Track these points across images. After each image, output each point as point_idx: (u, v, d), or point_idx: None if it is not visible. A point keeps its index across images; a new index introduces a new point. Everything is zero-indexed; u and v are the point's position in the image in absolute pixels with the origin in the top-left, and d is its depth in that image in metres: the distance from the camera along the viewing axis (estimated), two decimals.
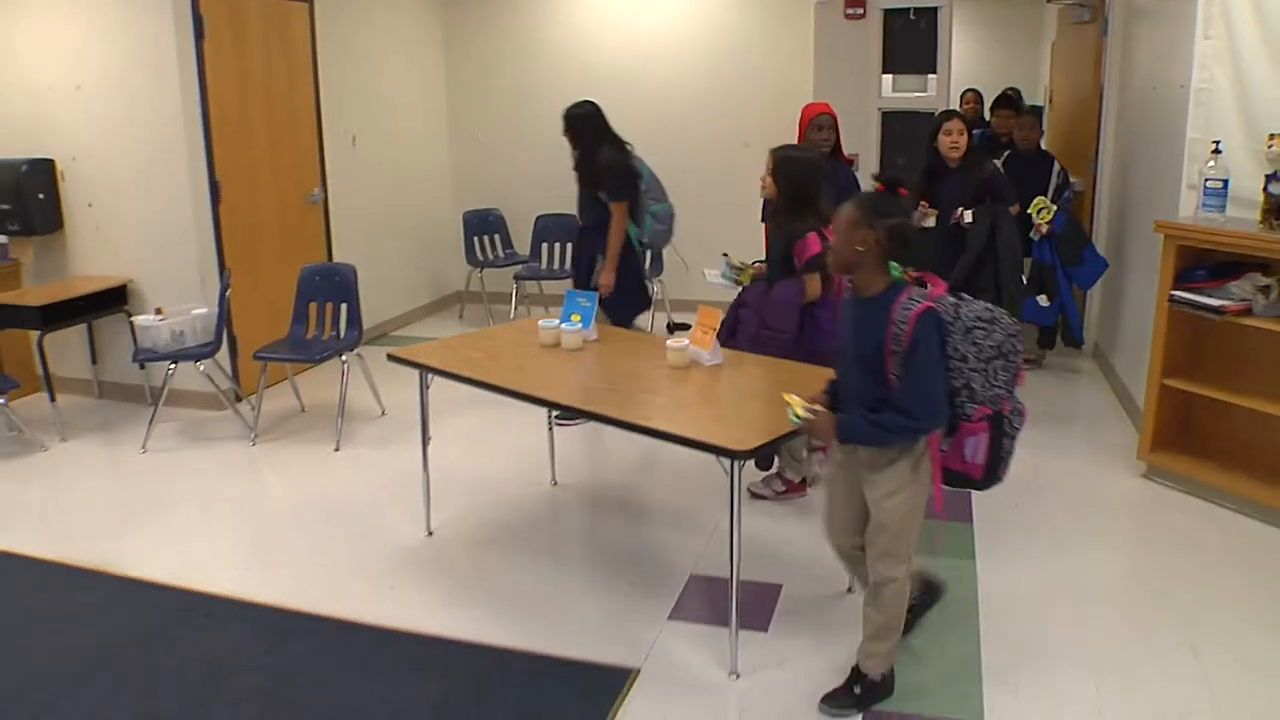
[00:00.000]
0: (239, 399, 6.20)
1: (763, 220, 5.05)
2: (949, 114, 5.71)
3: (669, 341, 3.95)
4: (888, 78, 7.34)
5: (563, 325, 4.22)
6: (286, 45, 6.82)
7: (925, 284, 3.02)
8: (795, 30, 7.73)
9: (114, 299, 6.18)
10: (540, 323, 4.31)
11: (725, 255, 5.01)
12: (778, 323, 4.34)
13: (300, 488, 5.10)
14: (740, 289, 4.74)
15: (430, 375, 4.14)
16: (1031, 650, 3.50)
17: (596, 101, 5.76)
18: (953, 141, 5.53)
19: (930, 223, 5.57)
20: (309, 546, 4.45)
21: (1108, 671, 3.36)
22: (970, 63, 9.88)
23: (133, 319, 5.90)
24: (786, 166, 4.37)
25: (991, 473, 3.11)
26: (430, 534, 4.49)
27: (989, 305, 2.99)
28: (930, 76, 7.24)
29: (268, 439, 5.77)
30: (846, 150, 5.93)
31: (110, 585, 4.14)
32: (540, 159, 8.58)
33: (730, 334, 4.46)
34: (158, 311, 5.80)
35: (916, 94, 7.33)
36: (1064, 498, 4.78)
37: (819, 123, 5.49)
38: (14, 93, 5.61)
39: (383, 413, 6.10)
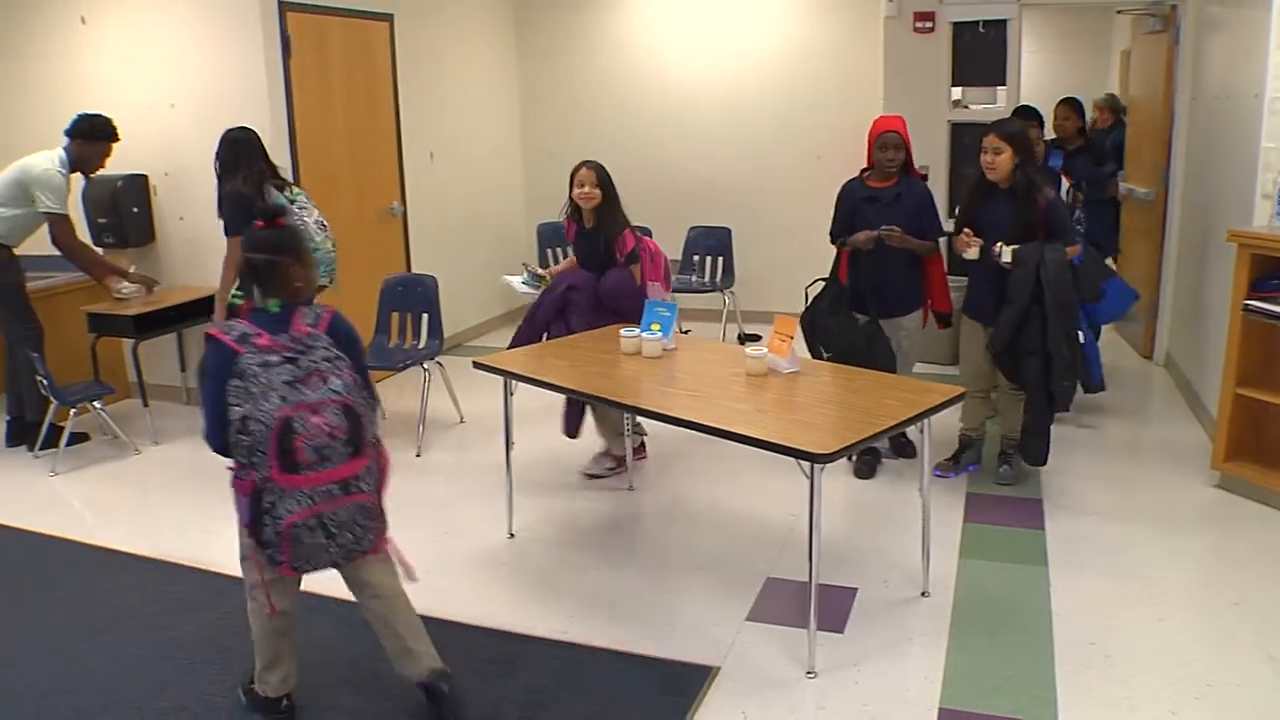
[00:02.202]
0: None
1: (571, 223, 5.22)
2: (988, 128, 4.86)
3: (748, 349, 4.05)
4: (957, 90, 7.39)
5: (643, 334, 4.35)
6: (368, 62, 7.04)
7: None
8: (865, 43, 7.81)
9: (203, 308, 6.39)
10: (621, 332, 4.44)
11: (525, 265, 5.30)
12: (622, 304, 4.94)
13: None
14: (540, 291, 5.25)
15: (514, 382, 4.29)
16: (1105, 654, 3.54)
17: (252, 128, 5.43)
18: (988, 160, 4.74)
19: (972, 254, 4.78)
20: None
21: (1182, 676, 3.40)
22: (1039, 74, 9.87)
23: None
24: (606, 174, 5.09)
25: (263, 543, 2.90)
26: (512, 536, 4.63)
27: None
28: (999, 88, 7.28)
29: None
30: (917, 163, 5.78)
31: (206, 580, 4.33)
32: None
33: (559, 314, 5.06)
34: None
35: (986, 105, 7.38)
36: (1137, 506, 4.80)
37: (884, 142, 5.02)
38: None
39: (461, 420, 6.26)
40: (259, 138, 5.39)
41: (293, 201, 5.33)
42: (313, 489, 2.82)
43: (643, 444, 5.43)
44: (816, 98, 8.17)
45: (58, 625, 4.01)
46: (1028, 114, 6.17)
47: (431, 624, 3.85)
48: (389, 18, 7.18)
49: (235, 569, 4.29)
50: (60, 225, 5.76)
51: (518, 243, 9.01)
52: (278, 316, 2.91)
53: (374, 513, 3.01)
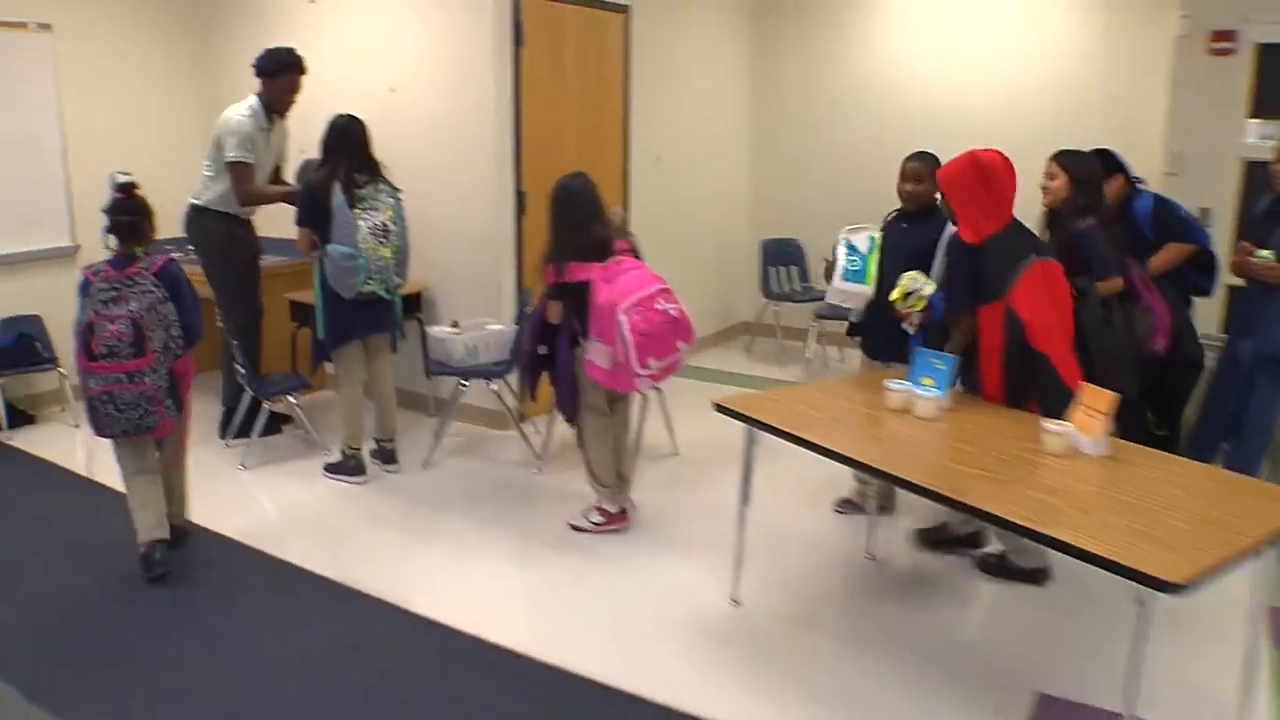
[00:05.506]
0: (523, 419, 5.95)
1: None
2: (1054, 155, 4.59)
3: (1048, 424, 3.34)
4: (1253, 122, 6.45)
5: (915, 389, 3.69)
6: (601, 57, 6.59)
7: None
8: (1148, 63, 6.94)
9: (408, 305, 6.03)
10: (887, 383, 3.79)
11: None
12: (524, 338, 4.98)
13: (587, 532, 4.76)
14: None
15: (757, 431, 3.68)
16: None
17: (357, 117, 5.09)
18: (1043, 184, 4.49)
19: None
20: (597, 603, 4.11)
21: None
22: None
23: (427, 330, 5.74)
24: (551, 206, 4.77)
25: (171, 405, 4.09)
26: (736, 604, 4.03)
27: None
28: None
29: (552, 469, 5.49)
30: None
31: (392, 617, 3.98)
32: (847, 189, 8.05)
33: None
34: (453, 324, 5.63)
35: None
36: None
37: None
38: (329, 92, 5.59)
39: (675, 452, 5.71)
40: (361, 127, 5.06)
41: (362, 201, 4.93)
42: (104, 374, 3.92)
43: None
44: (1086, 117, 7.28)
45: (242, 655, 3.69)
46: (1103, 157, 5.04)
47: (631, 703, 3.40)
48: (626, 9, 6.72)
49: (422, 607, 3.97)
50: (237, 172, 5.41)
51: (739, 256, 8.46)
52: (124, 260, 4.05)
53: (155, 400, 3.99)
